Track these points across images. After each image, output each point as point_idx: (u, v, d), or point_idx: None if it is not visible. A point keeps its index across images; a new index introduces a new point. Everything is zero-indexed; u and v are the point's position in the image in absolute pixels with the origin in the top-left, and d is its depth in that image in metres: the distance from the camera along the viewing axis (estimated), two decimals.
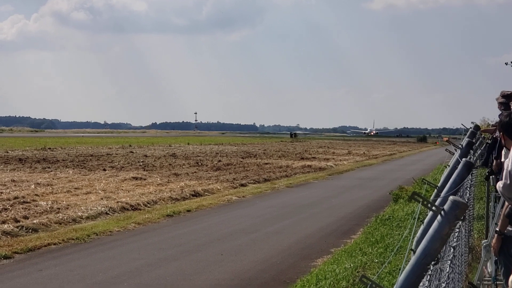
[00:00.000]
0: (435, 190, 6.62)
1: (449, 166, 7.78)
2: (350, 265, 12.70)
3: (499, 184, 6.02)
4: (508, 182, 5.82)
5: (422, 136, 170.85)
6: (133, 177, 31.46)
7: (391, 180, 35.87)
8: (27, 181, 28.15)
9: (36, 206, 20.71)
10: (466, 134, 10.28)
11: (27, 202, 21.38)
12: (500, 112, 12.02)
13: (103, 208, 20.91)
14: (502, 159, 7.81)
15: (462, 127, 13.98)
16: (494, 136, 12.82)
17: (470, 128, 11.65)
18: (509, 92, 12.35)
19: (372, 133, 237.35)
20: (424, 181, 7.13)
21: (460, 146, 8.42)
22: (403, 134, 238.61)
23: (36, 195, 23.49)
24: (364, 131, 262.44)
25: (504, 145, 7.72)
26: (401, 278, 3.11)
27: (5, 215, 18.71)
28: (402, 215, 19.31)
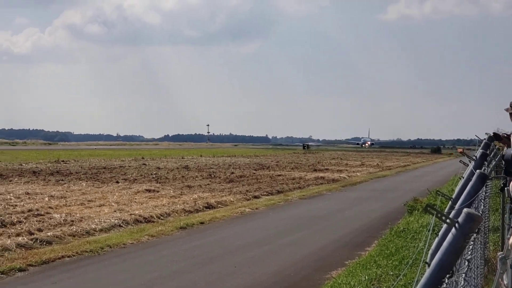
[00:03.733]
0: (450, 202, 6.58)
1: (463, 177, 7.72)
2: (365, 277, 12.63)
3: None
4: None
5: (436, 147, 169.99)
6: (146, 190, 31.51)
7: (405, 191, 35.73)
8: (41, 194, 28.25)
9: (50, 218, 20.77)
10: (480, 146, 10.21)
11: (41, 215, 21.44)
12: None
13: (116, 221, 20.94)
14: None
15: (476, 138, 13.90)
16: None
17: (484, 139, 11.58)
18: None
19: (366, 145, 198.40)
20: (438, 192, 7.08)
21: (474, 157, 8.36)
22: (416, 146, 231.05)
23: (50, 207, 23.56)
24: (357, 142, 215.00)
25: None
26: None
27: (19, 228, 18.78)
28: (417, 227, 19.20)
